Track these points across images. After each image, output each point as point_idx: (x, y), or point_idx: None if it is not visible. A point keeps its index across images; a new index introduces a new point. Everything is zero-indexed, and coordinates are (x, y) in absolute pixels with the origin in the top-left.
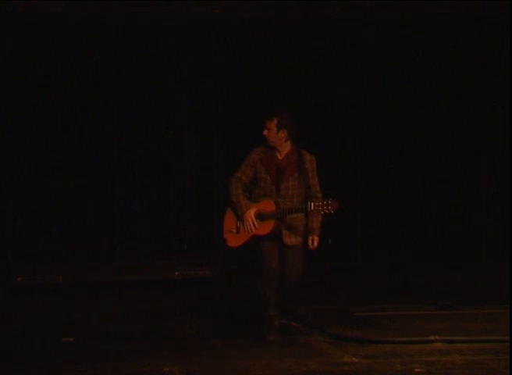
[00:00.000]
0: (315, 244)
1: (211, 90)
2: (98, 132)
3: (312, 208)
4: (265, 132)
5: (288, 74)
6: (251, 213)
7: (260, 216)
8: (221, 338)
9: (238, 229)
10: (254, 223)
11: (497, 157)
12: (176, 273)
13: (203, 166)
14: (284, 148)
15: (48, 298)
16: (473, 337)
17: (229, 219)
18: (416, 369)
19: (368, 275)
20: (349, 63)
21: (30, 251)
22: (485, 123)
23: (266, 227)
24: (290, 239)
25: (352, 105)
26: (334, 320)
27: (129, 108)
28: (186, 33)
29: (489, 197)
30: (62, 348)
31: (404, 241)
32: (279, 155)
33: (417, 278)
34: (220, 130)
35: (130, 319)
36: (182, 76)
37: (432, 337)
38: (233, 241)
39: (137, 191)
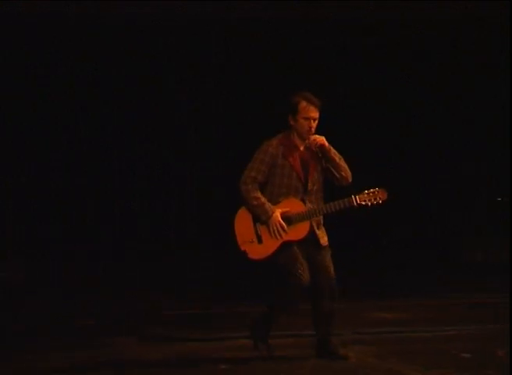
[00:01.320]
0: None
1: (211, 90)
2: (98, 132)
3: (358, 201)
4: (314, 124)
5: (288, 74)
6: (278, 216)
7: (287, 220)
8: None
9: (260, 237)
10: (283, 227)
11: (497, 157)
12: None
13: (203, 166)
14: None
15: (47, 297)
16: (284, 332)
17: (243, 228)
18: (221, 366)
19: None
20: (349, 63)
21: (30, 251)
22: (485, 123)
23: (300, 231)
24: (323, 239)
25: (352, 105)
26: (141, 319)
27: (129, 108)
28: (186, 33)
29: (489, 197)
30: (62, 348)
31: (404, 241)
32: (300, 146)
33: (416, 278)
34: (220, 130)
35: (131, 319)
36: (182, 76)
37: (236, 334)
38: (257, 252)
39: (137, 191)
